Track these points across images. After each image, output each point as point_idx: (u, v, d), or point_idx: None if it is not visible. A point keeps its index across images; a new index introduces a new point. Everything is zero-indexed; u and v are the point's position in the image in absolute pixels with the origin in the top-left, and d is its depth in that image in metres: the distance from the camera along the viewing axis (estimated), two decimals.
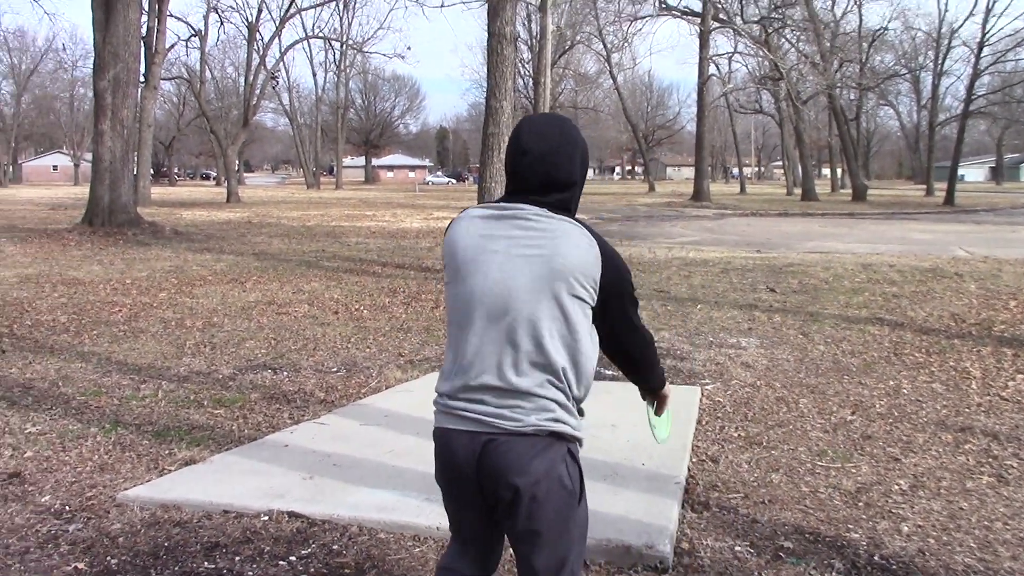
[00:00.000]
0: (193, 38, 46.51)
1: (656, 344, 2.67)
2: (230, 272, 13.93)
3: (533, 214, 2.25)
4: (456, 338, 2.31)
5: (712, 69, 47.84)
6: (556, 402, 2.24)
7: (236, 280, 12.96)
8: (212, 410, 6.20)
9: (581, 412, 2.37)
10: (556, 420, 2.23)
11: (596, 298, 2.27)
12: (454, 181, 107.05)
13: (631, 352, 2.52)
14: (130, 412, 6.12)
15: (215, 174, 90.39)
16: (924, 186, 60.87)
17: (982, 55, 45.67)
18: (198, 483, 4.58)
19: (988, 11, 44.50)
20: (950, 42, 54.18)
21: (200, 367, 7.55)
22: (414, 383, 6.89)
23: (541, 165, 2.27)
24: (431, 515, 4.04)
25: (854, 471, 5.00)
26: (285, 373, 7.34)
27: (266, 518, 4.16)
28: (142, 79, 30.28)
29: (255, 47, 45.34)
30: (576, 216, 2.35)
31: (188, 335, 8.91)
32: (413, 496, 4.31)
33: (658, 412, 2.83)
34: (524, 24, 49.83)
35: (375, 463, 4.86)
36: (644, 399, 2.81)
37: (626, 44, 53.97)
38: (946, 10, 60.09)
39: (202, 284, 12.52)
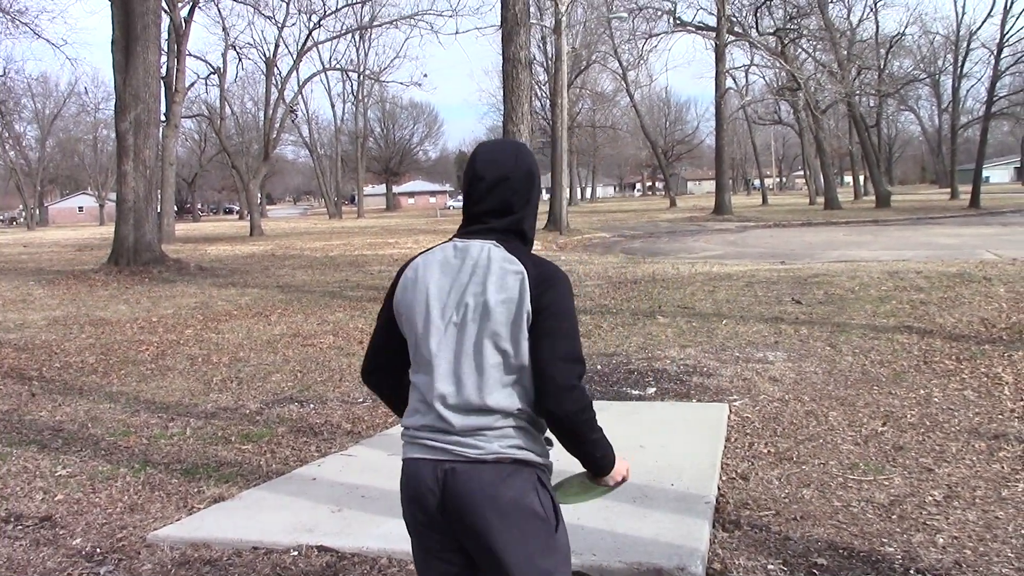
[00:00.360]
0: (212, 76, 47.18)
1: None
2: (255, 306, 14.01)
3: (477, 252, 2.31)
4: (417, 381, 2.34)
5: (729, 82, 47.81)
6: (517, 429, 2.25)
7: (261, 314, 13.02)
8: (240, 446, 6.22)
9: (549, 442, 2.36)
10: (519, 447, 2.23)
11: (531, 323, 2.24)
12: None
13: (544, 390, 2.25)
14: (159, 451, 6.16)
15: (238, 208, 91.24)
16: (948, 190, 60.35)
17: (1002, 56, 45.38)
18: (227, 520, 4.59)
19: (1006, 12, 44.25)
20: (969, 44, 53.89)
21: (227, 403, 7.59)
22: None
23: (495, 190, 2.33)
24: None
25: (887, 483, 4.94)
26: (312, 406, 7.36)
27: (296, 553, 4.16)
28: (163, 119, 30.66)
29: (273, 81, 45.68)
30: (532, 237, 2.42)
31: (215, 371, 8.95)
32: None
33: (589, 480, 2.48)
34: (539, 46, 50.12)
35: None
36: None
37: (642, 61, 54.22)
38: (963, 13, 59.90)
39: (227, 319, 12.59)
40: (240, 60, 61.63)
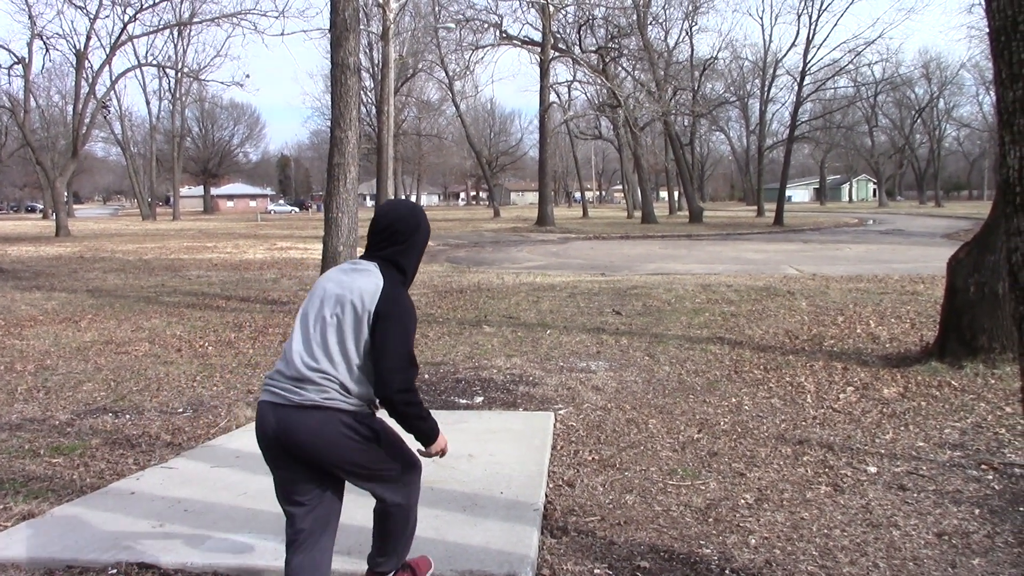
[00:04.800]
0: (16, 65, 44.27)
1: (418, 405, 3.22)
2: (63, 311, 13.28)
3: (363, 264, 3.27)
4: (286, 344, 3.26)
5: (553, 97, 48.82)
6: (331, 387, 3.11)
7: (69, 319, 12.36)
8: (50, 459, 5.90)
9: (373, 407, 3.26)
10: (329, 399, 3.11)
11: (372, 322, 3.12)
12: (297, 210, 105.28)
13: (378, 384, 3.14)
14: None
15: (42, 207, 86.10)
16: (755, 207, 63.81)
17: (804, 83, 48.29)
18: (38, 538, 4.34)
19: (808, 42, 47.13)
20: (775, 71, 57.04)
21: (34, 414, 7.16)
22: None
23: (385, 231, 3.32)
24: None
25: (703, 488, 5.18)
26: (127, 416, 7.05)
27: (114, 571, 3.99)
28: None
29: (84, 75, 43.34)
30: (409, 272, 3.35)
31: (19, 380, 8.44)
32: (271, 539, 4.21)
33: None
34: (366, 52, 49.67)
35: (228, 506, 4.73)
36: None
37: (468, 72, 54.44)
38: (770, 40, 63.61)
39: (32, 325, 11.89)
40: (47, 51, 58.46)
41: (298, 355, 3.14)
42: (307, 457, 3.12)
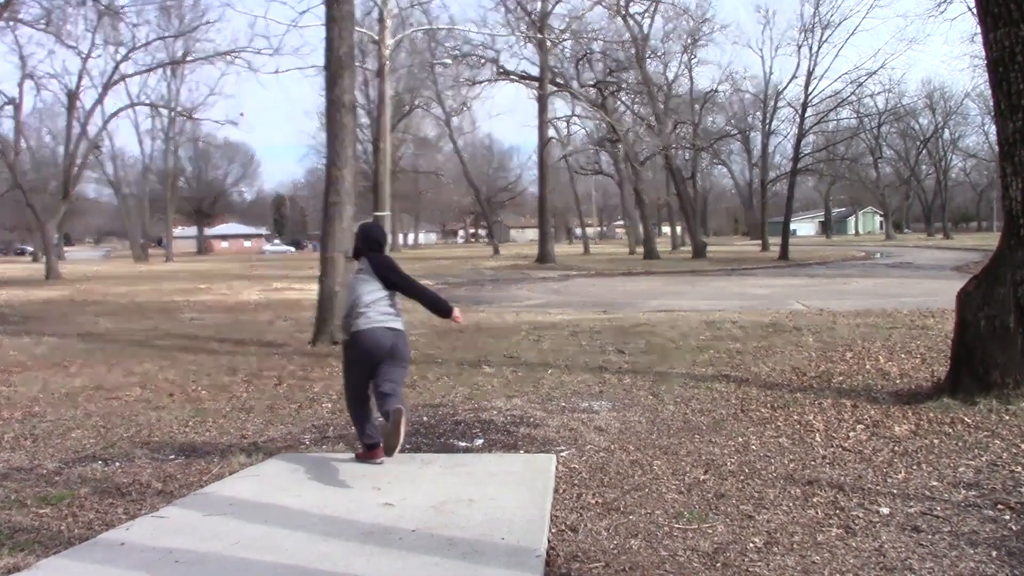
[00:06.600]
0: (7, 106, 44.25)
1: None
2: (52, 356, 13.11)
3: None
4: None
5: (551, 132, 49.03)
6: None
7: (59, 364, 12.19)
8: (37, 509, 5.72)
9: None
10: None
11: None
12: (293, 249, 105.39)
13: None
14: None
15: (32, 249, 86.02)
16: (759, 241, 63.72)
17: (806, 115, 48.38)
18: None
19: (809, 74, 47.36)
20: (776, 103, 57.16)
21: (21, 462, 6.99)
22: (260, 467, 6.55)
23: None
24: None
25: (710, 531, 5.00)
26: (118, 464, 6.87)
27: None
28: None
29: (76, 115, 43.36)
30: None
31: (6, 427, 8.26)
32: None
33: None
34: (361, 89, 49.84)
35: (221, 556, 4.57)
36: None
37: (465, 108, 54.83)
38: (771, 73, 63.67)
39: (20, 370, 11.72)
40: (39, 91, 58.63)
41: None
42: None
